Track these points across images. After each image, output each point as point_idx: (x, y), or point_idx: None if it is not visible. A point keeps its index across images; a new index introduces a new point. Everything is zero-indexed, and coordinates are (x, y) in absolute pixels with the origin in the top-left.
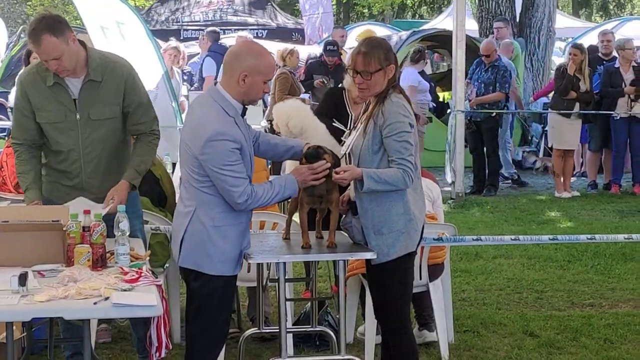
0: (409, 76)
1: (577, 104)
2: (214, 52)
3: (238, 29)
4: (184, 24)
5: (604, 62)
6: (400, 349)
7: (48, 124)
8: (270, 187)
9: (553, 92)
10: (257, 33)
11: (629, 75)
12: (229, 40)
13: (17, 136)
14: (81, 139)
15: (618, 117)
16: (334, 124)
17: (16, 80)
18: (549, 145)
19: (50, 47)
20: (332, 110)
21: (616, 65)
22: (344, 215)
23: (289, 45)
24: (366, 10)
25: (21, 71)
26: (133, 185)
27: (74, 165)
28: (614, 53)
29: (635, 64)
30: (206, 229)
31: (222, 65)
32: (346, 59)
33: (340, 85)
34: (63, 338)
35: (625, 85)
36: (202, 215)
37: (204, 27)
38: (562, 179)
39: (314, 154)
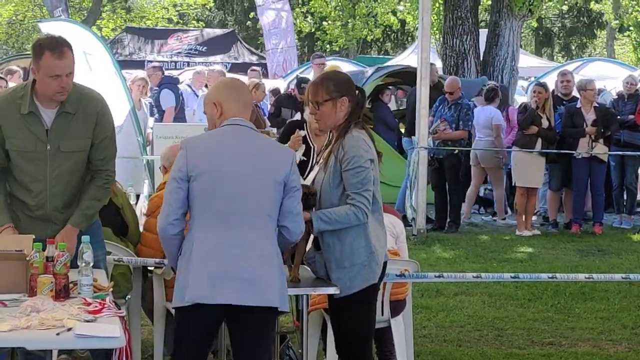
0: (492, 114)
1: (540, 141)
2: (169, 83)
3: (202, 63)
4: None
5: (564, 102)
6: None
7: (17, 151)
8: None
9: (517, 130)
10: (224, 65)
11: (590, 116)
12: (187, 74)
13: None
14: (49, 169)
15: (580, 157)
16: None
17: None
18: (513, 184)
19: (71, 61)
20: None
21: (578, 106)
22: (306, 250)
23: (255, 79)
24: (329, 46)
25: None
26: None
27: (39, 197)
28: (574, 93)
29: (597, 105)
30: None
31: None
32: None
33: (300, 118)
34: None
35: (587, 126)
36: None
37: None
38: (523, 217)
39: None
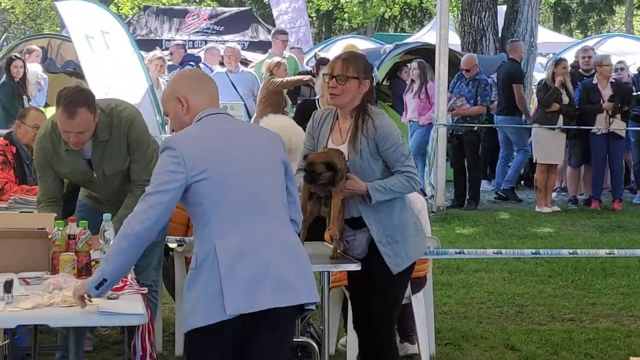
0: None
1: (561, 118)
2: (191, 61)
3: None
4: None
5: (585, 77)
6: None
7: (70, 180)
8: None
9: (536, 107)
10: (240, 44)
11: (607, 92)
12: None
13: (39, 195)
14: (103, 189)
15: (599, 133)
16: None
17: (36, 139)
18: (534, 160)
19: (84, 122)
20: (307, 121)
21: (594, 82)
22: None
23: (277, 58)
24: (346, 23)
25: (39, 131)
26: None
27: (101, 200)
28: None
29: (613, 80)
30: None
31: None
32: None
33: (314, 98)
34: (47, 346)
35: (604, 102)
36: None
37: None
38: (543, 193)
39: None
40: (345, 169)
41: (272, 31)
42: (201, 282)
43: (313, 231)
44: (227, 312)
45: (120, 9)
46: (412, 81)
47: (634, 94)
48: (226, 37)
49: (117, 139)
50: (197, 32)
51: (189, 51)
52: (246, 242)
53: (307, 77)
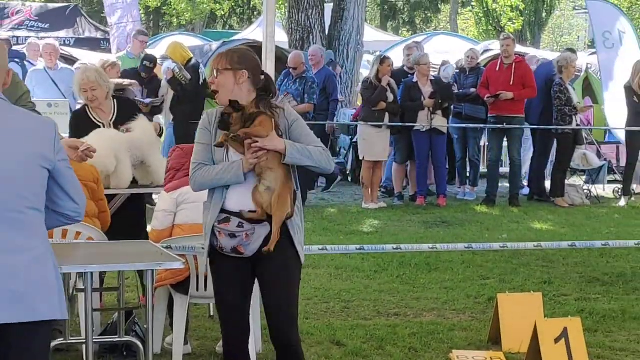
0: None
1: (387, 115)
2: (16, 57)
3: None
4: None
5: (409, 75)
6: None
7: None
8: None
9: (361, 105)
10: (64, 41)
11: (427, 89)
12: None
13: None
14: None
15: (424, 129)
16: None
17: None
18: (361, 157)
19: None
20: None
21: (414, 80)
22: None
23: (111, 57)
24: (175, 20)
25: None
26: None
27: None
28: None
29: (432, 77)
30: None
31: None
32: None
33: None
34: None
35: (424, 99)
36: None
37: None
38: (369, 190)
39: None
40: (264, 130)
41: (134, 32)
42: None
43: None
44: None
45: None
46: None
47: (457, 91)
48: (52, 34)
49: None
50: (21, 28)
51: (14, 47)
52: None
53: (127, 82)
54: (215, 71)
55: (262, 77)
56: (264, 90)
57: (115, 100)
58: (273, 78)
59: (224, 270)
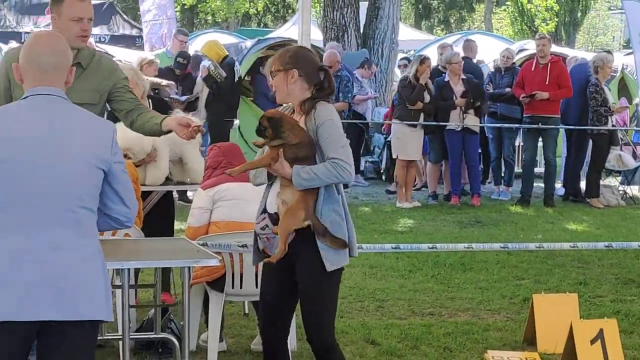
0: None
1: (422, 115)
2: None
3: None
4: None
5: (443, 74)
6: None
7: None
8: None
9: (398, 103)
10: (100, 38)
11: (459, 88)
12: None
13: None
14: None
15: (458, 129)
16: None
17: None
18: (394, 156)
19: (92, 5)
20: None
21: (446, 79)
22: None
23: (149, 55)
24: (210, 18)
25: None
26: None
27: None
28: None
29: (464, 77)
30: None
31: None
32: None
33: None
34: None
35: (456, 98)
36: None
37: None
38: (404, 189)
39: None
40: (293, 137)
41: (173, 31)
42: None
43: None
44: None
45: None
46: None
47: (492, 91)
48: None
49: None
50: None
51: None
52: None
53: (164, 82)
54: (271, 74)
55: (321, 72)
56: (320, 87)
57: (150, 100)
58: None
59: (266, 269)
